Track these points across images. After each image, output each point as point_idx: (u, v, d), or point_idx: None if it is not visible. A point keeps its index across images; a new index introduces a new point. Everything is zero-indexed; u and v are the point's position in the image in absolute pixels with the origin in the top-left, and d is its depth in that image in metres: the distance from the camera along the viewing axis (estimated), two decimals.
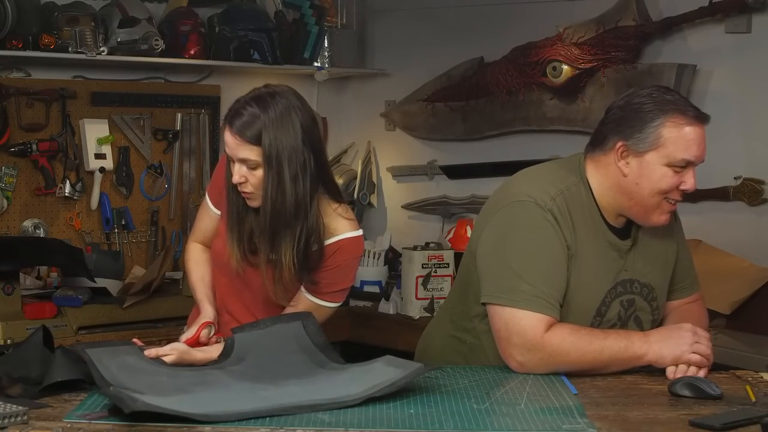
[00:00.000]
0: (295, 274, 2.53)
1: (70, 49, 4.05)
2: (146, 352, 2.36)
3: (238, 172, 2.50)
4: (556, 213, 2.45)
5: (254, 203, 2.54)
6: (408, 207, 5.04)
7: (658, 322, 2.61)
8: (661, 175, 2.43)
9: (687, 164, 2.43)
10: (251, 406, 2.04)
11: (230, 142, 2.49)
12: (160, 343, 2.54)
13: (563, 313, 2.43)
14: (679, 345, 2.38)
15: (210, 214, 2.75)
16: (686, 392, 2.23)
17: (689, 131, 2.41)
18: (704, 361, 2.38)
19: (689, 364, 2.37)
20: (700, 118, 2.43)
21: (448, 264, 4.26)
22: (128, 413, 1.94)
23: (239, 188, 2.52)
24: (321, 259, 2.56)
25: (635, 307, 2.56)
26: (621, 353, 2.38)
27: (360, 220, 5.04)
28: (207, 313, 2.64)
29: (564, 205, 2.47)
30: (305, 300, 2.59)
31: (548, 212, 2.44)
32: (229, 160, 2.54)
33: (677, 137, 2.41)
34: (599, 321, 2.51)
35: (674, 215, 2.63)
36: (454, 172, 4.82)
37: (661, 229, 2.58)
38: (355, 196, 5.04)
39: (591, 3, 4.27)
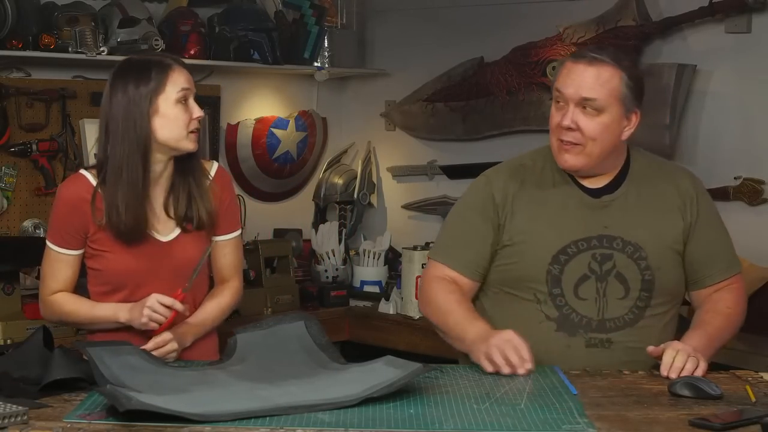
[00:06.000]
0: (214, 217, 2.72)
1: (70, 49, 4.04)
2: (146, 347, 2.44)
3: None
4: (492, 176, 2.67)
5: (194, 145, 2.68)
6: (408, 207, 5.04)
7: (651, 283, 2.61)
8: (550, 110, 2.58)
9: (564, 99, 2.53)
10: (248, 405, 2.04)
11: (189, 81, 2.66)
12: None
13: (518, 257, 2.59)
14: None
15: (66, 259, 2.68)
16: (686, 392, 2.24)
17: (568, 65, 2.56)
18: None
19: None
20: (585, 56, 2.55)
21: None
22: (126, 413, 1.95)
23: (197, 125, 2.64)
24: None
25: (614, 263, 2.59)
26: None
27: (360, 220, 5.05)
28: (126, 306, 2.65)
29: (515, 171, 2.66)
30: (231, 241, 2.78)
31: (484, 177, 2.67)
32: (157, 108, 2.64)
33: (559, 71, 2.59)
34: (559, 269, 2.57)
35: (696, 195, 2.67)
36: (454, 172, 4.82)
37: (662, 196, 2.64)
38: (355, 196, 5.03)
39: (591, 3, 4.27)
